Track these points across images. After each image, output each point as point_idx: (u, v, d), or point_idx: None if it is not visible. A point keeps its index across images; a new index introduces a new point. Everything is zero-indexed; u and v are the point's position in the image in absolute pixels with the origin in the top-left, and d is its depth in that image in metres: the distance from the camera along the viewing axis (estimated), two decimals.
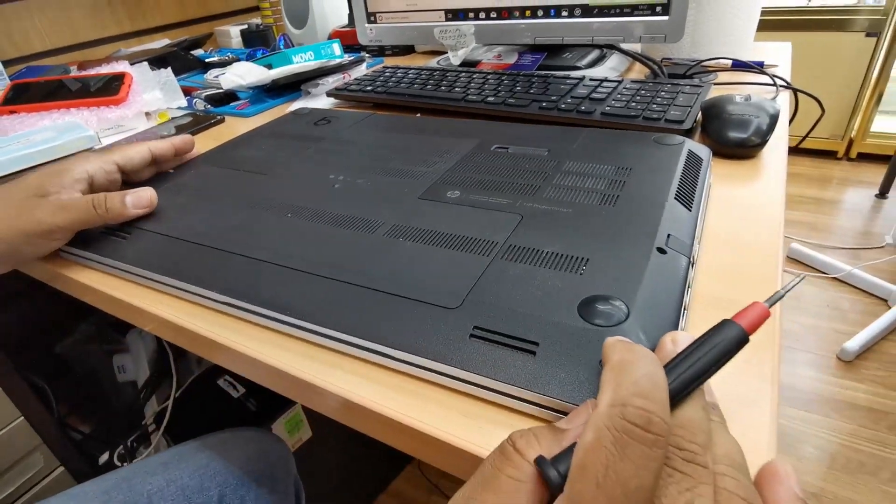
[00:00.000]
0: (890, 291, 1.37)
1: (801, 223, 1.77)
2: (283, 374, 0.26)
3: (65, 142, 0.55)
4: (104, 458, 0.83)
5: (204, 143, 0.60)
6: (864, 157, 2.11)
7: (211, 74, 0.86)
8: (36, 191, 0.36)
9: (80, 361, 0.90)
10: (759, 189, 0.39)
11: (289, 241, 0.32)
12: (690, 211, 0.32)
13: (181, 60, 0.94)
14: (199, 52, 1.07)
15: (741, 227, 0.34)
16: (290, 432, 0.79)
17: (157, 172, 0.45)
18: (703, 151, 0.39)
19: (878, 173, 1.91)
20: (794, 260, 1.59)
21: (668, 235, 0.29)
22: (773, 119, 0.44)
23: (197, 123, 0.66)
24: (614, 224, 0.30)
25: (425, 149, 0.43)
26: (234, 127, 0.66)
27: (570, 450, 0.16)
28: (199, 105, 0.72)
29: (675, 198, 0.32)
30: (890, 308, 1.32)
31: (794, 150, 1.78)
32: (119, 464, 0.80)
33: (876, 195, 1.88)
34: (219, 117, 0.67)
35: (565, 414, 0.21)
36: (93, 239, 0.37)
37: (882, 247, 1.61)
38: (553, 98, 0.55)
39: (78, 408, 0.84)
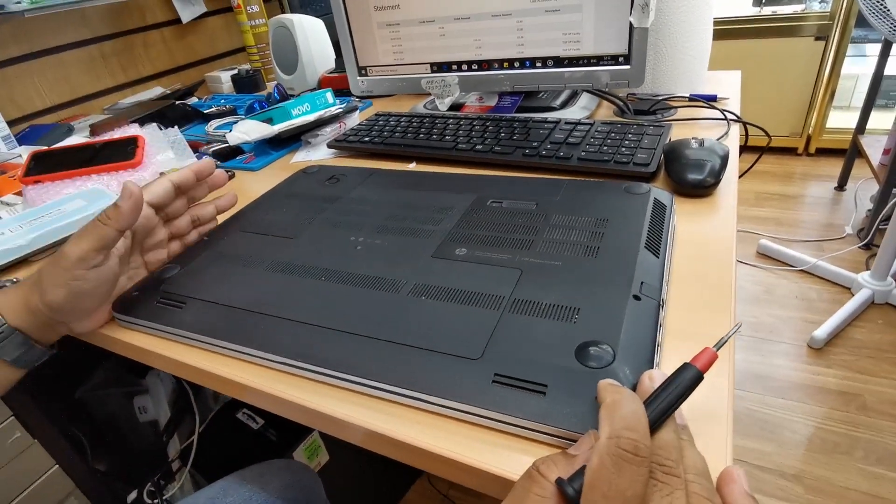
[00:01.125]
0: (852, 280, 1.47)
1: (769, 219, 1.87)
2: (340, 422, 0.33)
3: (96, 210, 0.60)
4: (132, 496, 0.87)
5: None
6: (822, 152, 2.24)
7: (211, 126, 0.91)
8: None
9: (100, 405, 0.94)
10: (715, 225, 0.47)
11: (328, 304, 0.38)
12: (658, 258, 0.39)
13: (179, 112, 0.99)
14: (193, 100, 1.13)
15: (700, 265, 0.41)
16: (310, 458, 0.84)
17: (191, 203, 0.50)
18: (665, 198, 0.46)
19: (835, 166, 2.04)
20: (763, 255, 1.69)
21: (642, 283, 0.36)
22: (724, 160, 0.52)
23: None
24: (598, 275, 0.37)
25: (430, 205, 0.50)
26: (245, 181, 0.72)
27: (580, 471, 0.23)
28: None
29: (646, 247, 0.39)
30: (853, 296, 1.43)
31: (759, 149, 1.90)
32: (150, 501, 0.85)
33: (835, 188, 2.00)
34: (230, 172, 0.73)
35: (571, 440, 0.27)
36: (154, 309, 0.42)
37: (843, 237, 1.72)
38: (534, 144, 0.62)
39: (101, 450, 0.88)
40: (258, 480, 0.59)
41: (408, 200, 0.51)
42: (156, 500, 0.83)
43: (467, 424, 0.31)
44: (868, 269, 1.47)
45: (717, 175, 0.51)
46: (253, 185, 0.70)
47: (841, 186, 1.98)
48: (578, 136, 0.63)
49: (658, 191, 0.47)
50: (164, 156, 0.74)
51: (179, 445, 0.88)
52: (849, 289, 1.48)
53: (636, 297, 0.34)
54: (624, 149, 0.58)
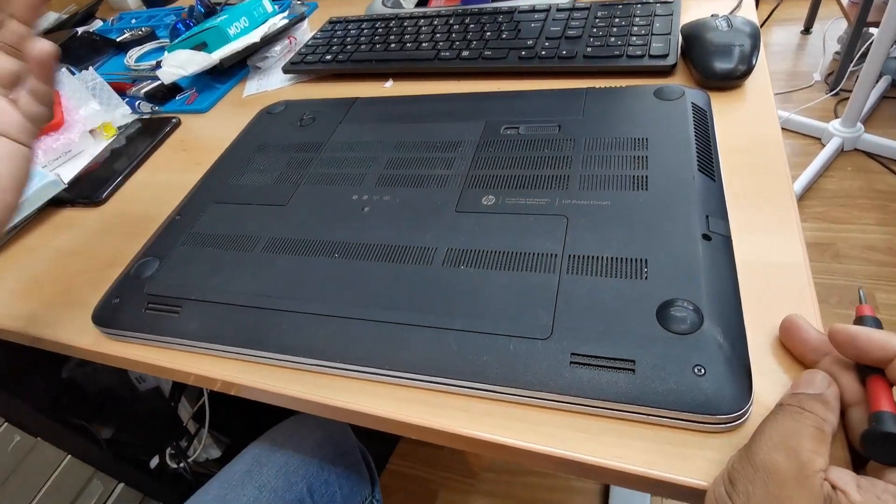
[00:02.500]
0: (823, 130, 1.48)
1: None
2: (403, 424, 0.29)
3: (30, 196, 0.50)
4: (154, 461, 0.86)
5: (178, 160, 0.56)
6: None
7: (132, 59, 0.77)
8: None
9: (91, 381, 0.90)
10: (755, 123, 0.42)
11: (351, 288, 0.33)
12: (714, 181, 0.34)
13: (85, 42, 0.83)
14: (97, 24, 0.94)
15: (751, 177, 0.37)
16: None
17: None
18: (702, 100, 0.41)
19: (801, 7, 1.95)
20: None
21: (707, 218, 0.31)
22: (755, 41, 0.46)
23: (153, 132, 0.61)
24: (655, 213, 0.32)
25: (434, 141, 0.43)
26: (195, 127, 0.61)
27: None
28: (144, 107, 0.65)
29: (699, 169, 0.34)
30: (824, 146, 1.44)
31: None
32: (173, 464, 0.84)
33: (801, 31, 1.94)
34: (174, 119, 0.62)
35: (678, 419, 0.25)
36: (144, 318, 0.36)
37: (811, 85, 1.70)
38: (529, 43, 0.54)
39: (109, 425, 0.86)
40: (290, 443, 0.58)
41: (405, 138, 0.44)
42: (181, 463, 0.83)
43: (547, 410, 0.28)
44: (837, 116, 1.47)
45: (749, 60, 0.45)
46: (206, 131, 0.60)
47: (807, 29, 1.92)
48: (577, 27, 0.54)
49: (692, 91, 0.41)
50: (89, 109, 0.61)
51: (191, 408, 0.86)
52: (819, 139, 1.49)
53: (706, 237, 0.30)
54: (635, 37, 0.51)
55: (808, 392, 0.23)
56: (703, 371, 0.25)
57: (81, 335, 0.39)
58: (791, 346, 0.27)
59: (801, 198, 1.36)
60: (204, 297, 0.36)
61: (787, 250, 0.32)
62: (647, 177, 0.35)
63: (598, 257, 0.31)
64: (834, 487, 0.20)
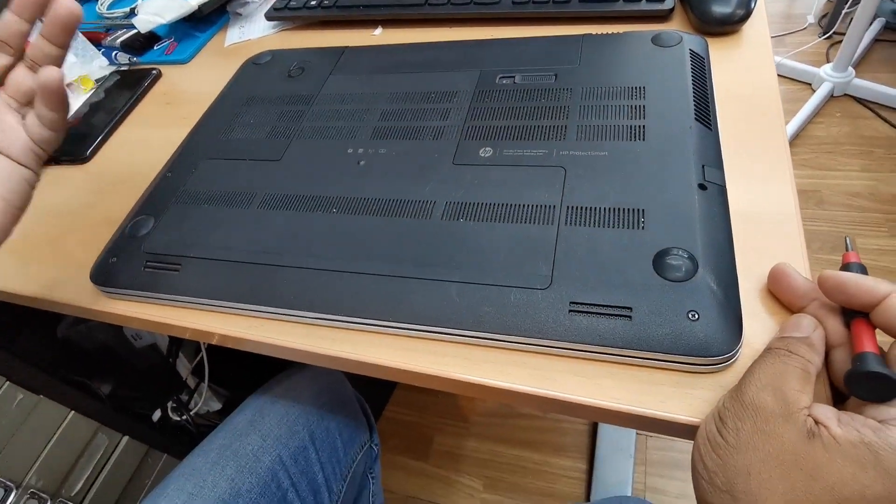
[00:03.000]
0: (814, 74, 1.46)
1: None
2: (406, 372, 0.30)
3: None
4: (157, 415, 0.88)
5: (162, 114, 0.54)
6: None
7: (103, 5, 0.73)
8: None
9: (87, 339, 0.90)
10: (752, 70, 0.41)
11: (351, 242, 0.33)
12: (711, 130, 0.34)
13: None
14: None
15: (745, 126, 0.37)
16: None
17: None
18: (699, 46, 0.40)
19: None
20: None
21: (703, 167, 0.32)
22: None
23: (132, 85, 0.58)
24: (653, 162, 0.32)
25: (428, 91, 0.42)
26: (176, 80, 0.59)
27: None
28: (122, 59, 0.63)
29: (696, 118, 0.34)
30: (814, 91, 1.43)
31: None
32: (175, 417, 0.86)
33: None
34: (153, 71, 0.59)
35: (678, 363, 0.26)
36: (144, 276, 0.36)
37: (805, 28, 1.67)
38: None
39: (109, 382, 0.87)
40: (289, 394, 0.60)
41: (399, 89, 0.43)
42: (183, 416, 0.85)
43: (548, 356, 0.29)
44: (829, 61, 1.45)
45: (748, 4, 0.44)
46: (189, 83, 0.58)
47: None
48: None
49: (690, 37, 0.40)
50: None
51: (189, 363, 0.87)
52: (810, 84, 1.48)
53: (702, 187, 0.31)
54: None
55: (796, 336, 0.24)
56: (696, 316, 0.26)
57: (80, 294, 0.39)
58: (779, 294, 0.28)
59: (791, 145, 1.37)
60: (203, 255, 0.36)
61: (780, 200, 0.33)
62: (644, 126, 0.35)
63: (596, 208, 0.31)
64: (817, 422, 0.21)
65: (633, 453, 0.93)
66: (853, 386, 0.22)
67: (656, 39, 0.40)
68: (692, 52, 0.39)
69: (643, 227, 0.30)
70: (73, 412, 0.73)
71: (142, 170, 0.46)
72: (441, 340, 0.30)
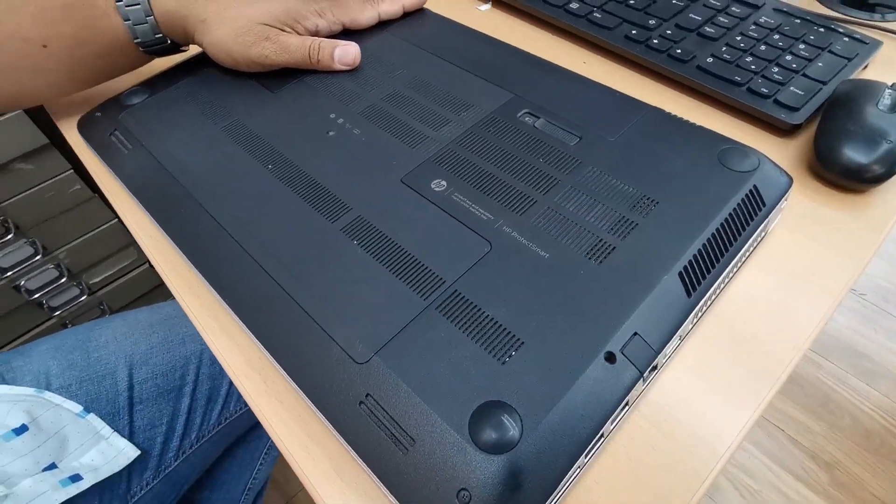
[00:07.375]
0: None
1: None
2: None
3: None
4: None
5: None
6: None
7: None
8: (275, 20, 0.38)
9: None
10: (840, 250, 0.30)
11: (253, 208, 0.31)
12: (689, 298, 0.26)
13: None
14: None
15: (764, 329, 0.28)
16: None
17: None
18: (775, 187, 0.30)
19: None
20: None
21: (634, 335, 0.24)
22: None
23: None
24: (583, 295, 0.25)
25: (448, 94, 0.37)
26: None
27: None
28: None
29: (680, 274, 0.26)
30: None
31: None
32: None
33: None
34: None
35: None
36: (105, 141, 0.37)
37: None
38: (650, 23, 0.43)
39: None
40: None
41: (427, 75, 0.38)
42: None
43: (320, 423, 0.25)
44: None
45: (893, 165, 0.32)
46: None
47: None
48: (722, 27, 0.42)
49: (772, 170, 0.30)
50: None
51: None
52: None
53: (609, 358, 0.23)
54: (777, 67, 0.38)
55: None
56: (468, 498, 0.20)
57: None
58: None
59: None
60: (150, 149, 0.36)
61: (722, 428, 0.24)
62: (613, 249, 0.27)
63: (479, 310, 0.25)
64: None
65: None
66: None
67: (724, 156, 0.31)
68: (753, 192, 0.29)
69: (504, 363, 0.23)
70: (116, 220, 0.82)
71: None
72: (253, 346, 0.28)
